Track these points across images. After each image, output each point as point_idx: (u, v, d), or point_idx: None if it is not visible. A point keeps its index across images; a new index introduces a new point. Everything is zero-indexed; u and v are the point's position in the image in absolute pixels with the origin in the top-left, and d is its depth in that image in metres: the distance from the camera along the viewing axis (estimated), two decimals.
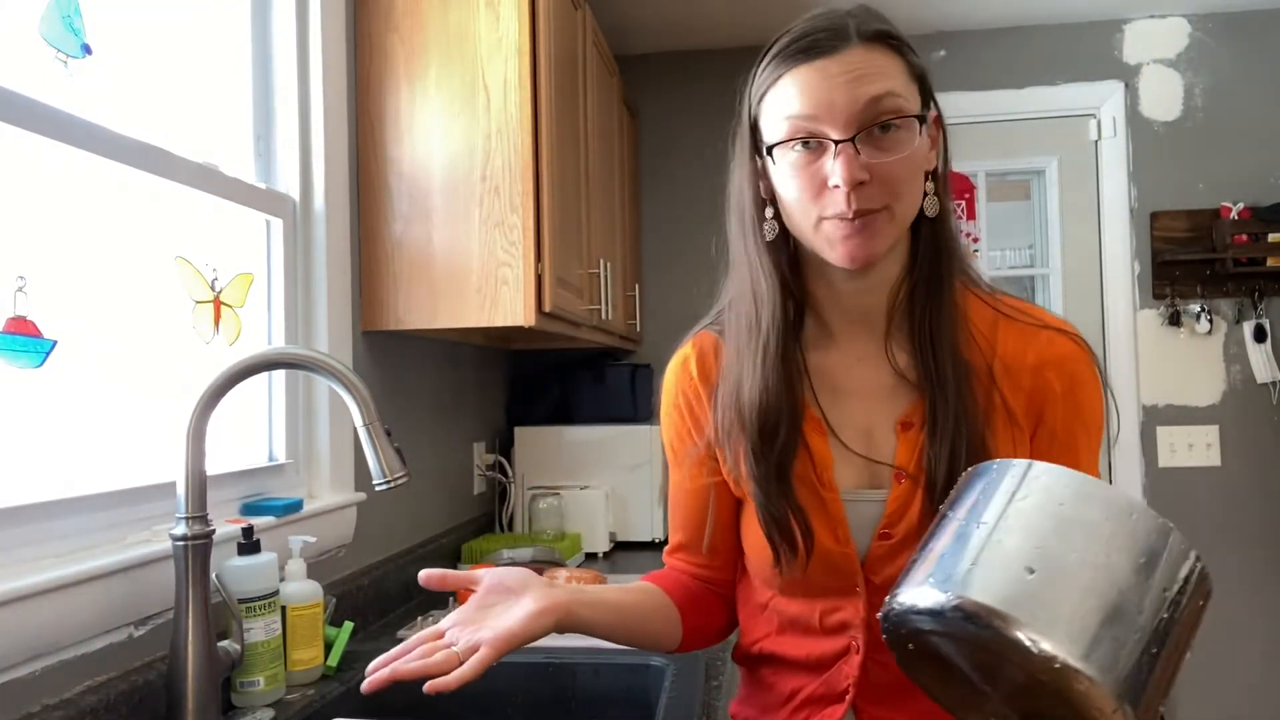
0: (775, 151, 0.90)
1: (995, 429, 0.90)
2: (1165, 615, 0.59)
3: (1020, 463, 0.66)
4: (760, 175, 0.95)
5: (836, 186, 0.85)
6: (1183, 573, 0.60)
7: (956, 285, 0.94)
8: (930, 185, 0.92)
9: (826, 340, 0.99)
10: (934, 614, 0.61)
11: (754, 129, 0.94)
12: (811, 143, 0.87)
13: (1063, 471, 0.64)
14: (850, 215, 0.86)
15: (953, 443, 0.88)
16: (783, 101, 0.89)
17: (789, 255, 0.96)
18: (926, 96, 0.91)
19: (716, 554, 1.06)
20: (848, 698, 0.95)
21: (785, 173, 0.90)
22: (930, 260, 0.93)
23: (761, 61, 0.92)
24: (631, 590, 1.03)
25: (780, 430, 0.94)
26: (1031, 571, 0.59)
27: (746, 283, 0.97)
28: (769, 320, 0.95)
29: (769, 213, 0.94)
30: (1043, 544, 0.61)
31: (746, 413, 0.95)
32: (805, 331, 0.99)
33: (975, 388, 0.90)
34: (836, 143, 0.85)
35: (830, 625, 0.96)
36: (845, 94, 0.85)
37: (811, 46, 0.87)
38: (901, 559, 0.87)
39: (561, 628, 0.88)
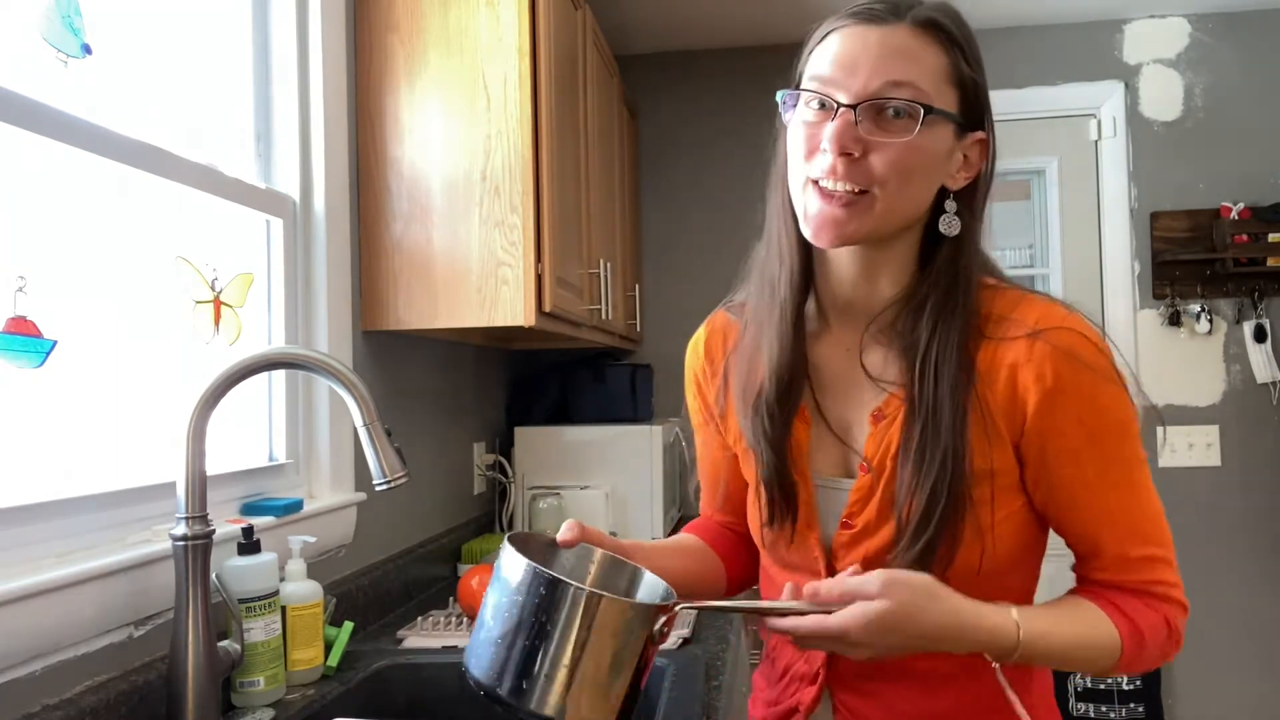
0: (799, 102, 0.90)
1: (971, 437, 0.88)
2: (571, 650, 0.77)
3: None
4: None
5: (825, 150, 0.86)
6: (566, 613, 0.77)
7: (971, 300, 0.91)
8: (952, 205, 0.91)
9: (821, 328, 0.99)
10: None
11: (800, 85, 0.93)
12: (827, 103, 0.87)
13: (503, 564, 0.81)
14: (832, 183, 0.86)
15: (928, 450, 0.87)
16: (820, 58, 0.89)
17: None
18: (971, 110, 0.90)
19: (736, 513, 1.11)
20: (819, 679, 0.97)
21: (795, 128, 0.91)
22: (946, 284, 0.90)
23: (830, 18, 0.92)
24: (662, 543, 1.11)
25: (791, 386, 0.95)
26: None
27: (774, 244, 0.97)
28: (787, 283, 0.95)
29: None
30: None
31: (763, 372, 0.96)
32: (806, 317, 0.99)
33: (959, 398, 0.87)
34: (841, 106, 0.85)
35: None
36: (868, 64, 0.85)
37: (865, 12, 0.88)
38: (860, 548, 0.92)
39: None
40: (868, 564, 0.87)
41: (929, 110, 0.85)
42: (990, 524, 0.88)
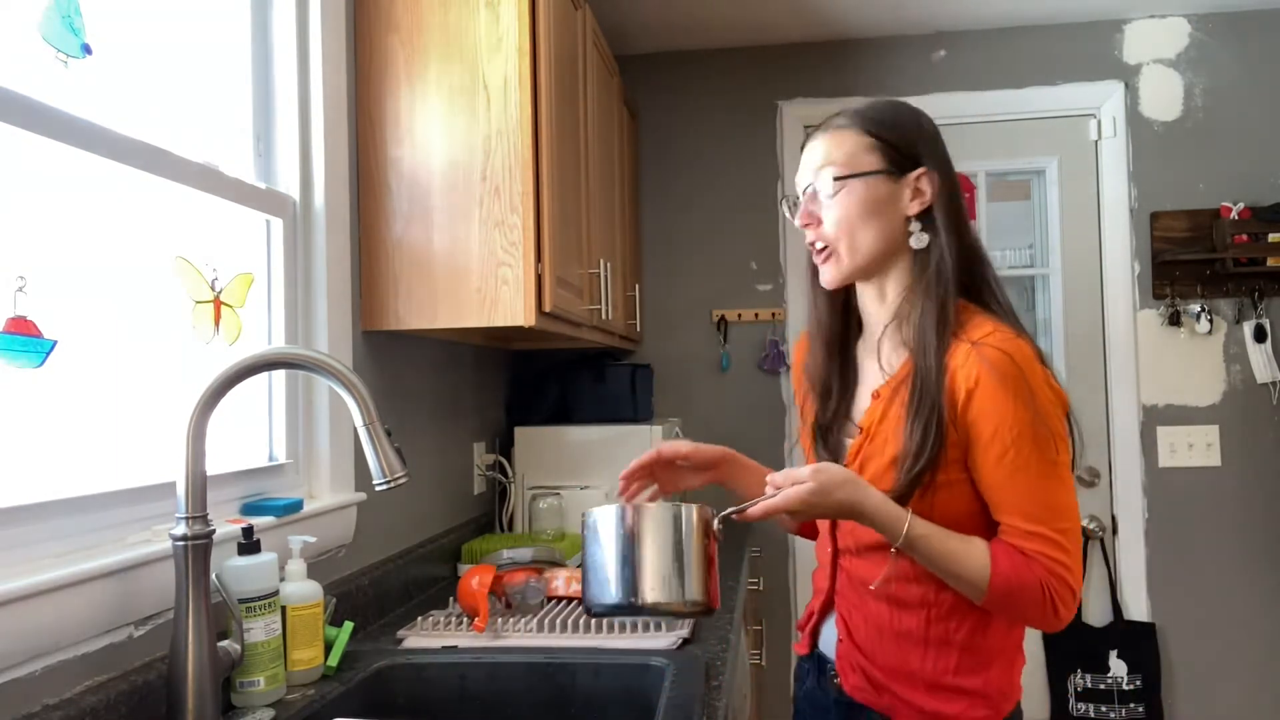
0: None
1: (937, 416, 1.16)
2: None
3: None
4: None
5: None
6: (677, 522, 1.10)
7: (948, 297, 1.20)
8: (916, 225, 1.23)
9: (863, 333, 1.35)
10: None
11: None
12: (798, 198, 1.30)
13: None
14: (810, 248, 1.29)
15: (921, 401, 1.17)
16: None
17: None
18: (901, 158, 1.23)
19: None
20: (826, 592, 1.35)
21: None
22: (926, 282, 1.22)
23: None
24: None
25: (832, 396, 1.33)
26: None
27: (807, 295, 1.38)
28: (815, 322, 1.36)
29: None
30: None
31: (811, 385, 1.36)
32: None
33: (937, 376, 1.17)
34: (799, 196, 1.29)
35: (823, 533, 1.38)
36: (805, 164, 1.28)
37: (810, 134, 1.30)
38: None
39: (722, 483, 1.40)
40: None
41: (839, 178, 1.22)
42: (935, 482, 1.17)
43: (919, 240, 1.22)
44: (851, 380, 1.32)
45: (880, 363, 1.27)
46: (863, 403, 1.29)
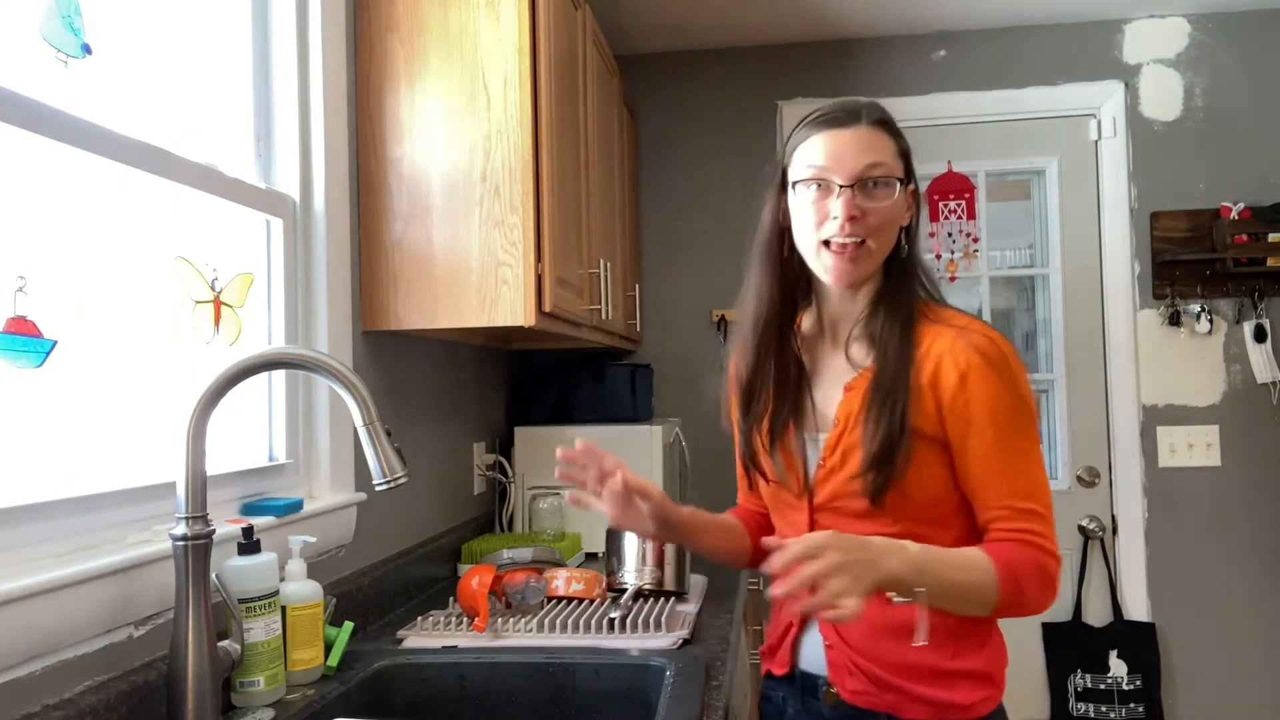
0: (798, 187, 1.25)
1: (910, 400, 1.19)
2: None
3: None
4: (782, 209, 1.30)
5: (836, 218, 1.21)
6: None
7: (914, 302, 1.26)
8: (903, 236, 1.27)
9: (819, 331, 1.34)
10: None
11: (784, 173, 1.29)
12: (823, 184, 1.22)
13: None
14: (844, 240, 1.21)
15: (881, 403, 1.19)
16: (808, 153, 1.24)
17: (804, 273, 1.31)
18: (909, 171, 1.26)
19: (756, 495, 1.43)
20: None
21: (801, 205, 1.25)
22: (897, 287, 1.27)
23: (798, 125, 1.28)
24: (715, 517, 1.41)
25: (759, 397, 1.32)
26: None
27: (754, 289, 1.34)
28: (766, 317, 1.31)
29: (786, 238, 1.30)
30: None
31: (740, 383, 1.34)
32: (803, 324, 1.36)
33: (904, 372, 1.20)
34: (841, 186, 1.21)
35: (788, 533, 1.30)
36: (852, 155, 1.21)
37: (834, 120, 1.24)
38: (832, 481, 1.24)
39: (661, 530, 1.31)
40: (835, 495, 1.23)
41: (887, 181, 1.22)
42: (915, 461, 1.19)
43: (904, 250, 1.28)
44: (799, 379, 1.31)
45: (849, 359, 1.27)
46: (830, 397, 1.28)
